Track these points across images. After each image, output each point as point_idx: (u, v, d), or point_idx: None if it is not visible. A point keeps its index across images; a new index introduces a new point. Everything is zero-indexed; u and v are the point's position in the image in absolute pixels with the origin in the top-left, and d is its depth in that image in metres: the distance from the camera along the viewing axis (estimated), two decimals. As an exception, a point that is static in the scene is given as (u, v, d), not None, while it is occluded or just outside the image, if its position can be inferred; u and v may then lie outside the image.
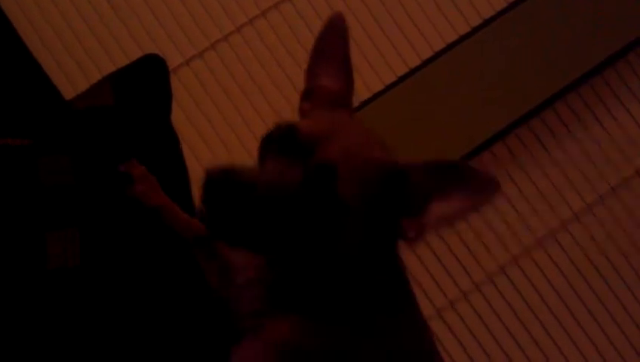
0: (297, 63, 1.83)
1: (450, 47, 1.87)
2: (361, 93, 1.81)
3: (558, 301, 1.86)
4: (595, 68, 1.87)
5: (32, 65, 1.42)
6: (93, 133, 1.24)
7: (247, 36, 1.87)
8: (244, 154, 1.77)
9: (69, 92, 1.51)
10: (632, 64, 1.94)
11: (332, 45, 1.06)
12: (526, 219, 1.88)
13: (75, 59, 1.80)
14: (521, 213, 1.87)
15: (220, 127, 1.81)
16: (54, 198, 1.14)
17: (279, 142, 0.95)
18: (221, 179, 0.89)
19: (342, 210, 0.91)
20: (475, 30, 1.88)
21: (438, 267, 1.84)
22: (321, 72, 1.07)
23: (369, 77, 1.86)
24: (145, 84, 1.35)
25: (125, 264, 1.14)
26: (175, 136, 1.39)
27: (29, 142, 1.17)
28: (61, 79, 1.73)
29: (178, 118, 1.65)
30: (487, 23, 1.88)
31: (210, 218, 0.91)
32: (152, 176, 1.21)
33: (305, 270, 1.00)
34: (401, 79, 1.85)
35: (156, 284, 1.15)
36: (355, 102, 1.17)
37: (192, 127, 1.81)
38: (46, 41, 1.79)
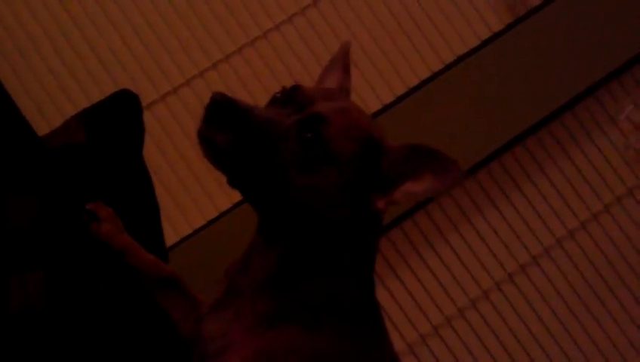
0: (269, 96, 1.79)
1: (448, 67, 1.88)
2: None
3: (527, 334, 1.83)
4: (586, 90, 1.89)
5: (4, 100, 1.38)
6: (64, 172, 1.20)
7: (222, 72, 1.84)
8: (219, 189, 1.74)
9: (41, 127, 1.48)
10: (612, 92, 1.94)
11: (336, 62, 1.18)
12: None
13: (49, 94, 1.76)
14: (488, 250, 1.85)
15: (194, 162, 1.77)
16: (20, 240, 1.10)
17: (283, 97, 1.02)
18: (224, 103, 0.94)
19: (328, 156, 0.96)
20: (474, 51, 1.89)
21: (410, 301, 1.81)
22: (325, 80, 1.17)
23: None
24: (117, 120, 1.32)
25: (90, 306, 1.10)
26: (146, 172, 1.35)
27: (-5, 181, 1.13)
28: (34, 114, 1.68)
29: (152, 153, 1.62)
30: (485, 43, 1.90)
31: (208, 138, 0.95)
32: (117, 217, 1.18)
33: (291, 230, 1.02)
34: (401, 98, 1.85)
35: (120, 326, 1.11)
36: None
37: (165, 162, 1.77)
38: (20, 76, 1.75)
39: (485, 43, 1.89)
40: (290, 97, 1.01)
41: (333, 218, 1.00)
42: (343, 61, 1.17)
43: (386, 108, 1.84)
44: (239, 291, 1.04)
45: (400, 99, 1.85)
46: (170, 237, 1.64)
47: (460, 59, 1.88)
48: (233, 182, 1.01)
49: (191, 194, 1.78)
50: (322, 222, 1.00)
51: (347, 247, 1.04)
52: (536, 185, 1.88)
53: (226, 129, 0.94)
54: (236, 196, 1.19)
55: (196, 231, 1.74)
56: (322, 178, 0.97)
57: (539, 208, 1.87)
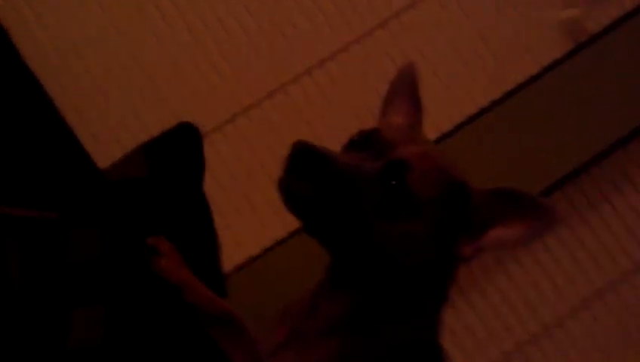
0: (329, 129, 1.77)
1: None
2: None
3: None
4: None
5: (65, 133, 1.39)
6: (126, 206, 1.20)
7: (279, 103, 1.82)
8: (277, 222, 1.72)
9: (102, 160, 1.47)
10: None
11: (404, 88, 1.14)
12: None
13: (109, 126, 1.76)
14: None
15: (252, 193, 1.76)
16: (81, 273, 1.10)
17: (361, 140, 1.00)
18: (307, 151, 0.92)
19: (413, 203, 0.93)
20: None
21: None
22: (394, 110, 1.14)
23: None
24: (178, 152, 1.32)
25: (147, 343, 1.09)
26: (207, 204, 1.35)
27: (55, 216, 1.13)
28: (94, 147, 1.68)
29: (209, 183, 1.61)
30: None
31: (289, 188, 0.94)
32: (177, 252, 1.17)
33: (368, 273, 1.00)
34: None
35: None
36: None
37: (223, 192, 1.75)
38: (80, 109, 1.75)
39: (546, 70, 1.85)
40: (369, 141, 0.99)
41: (416, 264, 0.98)
42: (409, 89, 1.14)
43: (444, 136, 1.80)
44: (304, 334, 1.02)
45: (458, 126, 1.82)
46: (227, 266, 1.62)
47: (521, 86, 1.84)
48: (310, 229, 0.99)
49: (247, 221, 1.76)
50: (405, 268, 0.98)
51: (424, 292, 1.01)
52: (600, 215, 1.82)
53: (307, 179, 0.92)
54: (292, 225, 1.16)
55: (253, 259, 1.72)
56: (408, 225, 0.95)
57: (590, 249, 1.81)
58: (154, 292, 1.15)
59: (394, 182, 0.93)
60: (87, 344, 1.06)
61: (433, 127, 1.80)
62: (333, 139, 1.07)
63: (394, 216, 0.94)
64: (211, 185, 1.71)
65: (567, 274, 1.80)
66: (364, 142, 1.00)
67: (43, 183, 1.21)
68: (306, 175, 0.92)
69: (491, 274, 1.79)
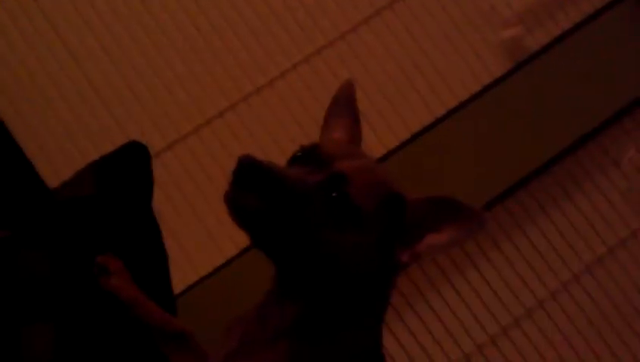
0: (279, 147, 1.80)
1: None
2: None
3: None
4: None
5: (15, 151, 1.39)
6: (74, 224, 1.20)
7: (228, 120, 1.85)
8: (226, 238, 1.74)
9: (52, 178, 1.48)
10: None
11: (343, 104, 1.17)
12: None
13: (59, 145, 1.77)
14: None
15: (202, 210, 1.77)
16: (31, 291, 1.10)
17: (303, 155, 1.03)
18: (252, 166, 0.94)
19: (353, 214, 0.96)
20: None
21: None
22: (334, 125, 1.16)
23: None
24: (127, 171, 1.32)
25: (98, 358, 1.09)
26: (156, 223, 1.35)
27: (7, 234, 1.13)
28: (45, 165, 1.69)
29: (159, 200, 1.62)
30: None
31: (236, 201, 0.95)
32: (126, 270, 1.18)
33: (313, 280, 1.02)
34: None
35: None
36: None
37: (173, 210, 1.77)
38: (30, 128, 1.76)
39: (487, 88, 1.91)
40: (311, 155, 1.02)
41: (360, 273, 1.00)
42: (349, 105, 1.17)
43: (390, 153, 1.85)
44: (254, 343, 1.03)
45: (404, 144, 1.86)
46: (178, 285, 1.63)
47: (462, 105, 1.89)
48: (258, 243, 1.01)
49: (197, 241, 1.77)
50: (348, 276, 1.00)
51: (367, 299, 1.04)
52: (540, 228, 1.88)
53: (254, 191, 0.94)
54: (243, 242, 1.18)
55: (203, 278, 1.74)
56: (350, 235, 0.97)
57: (543, 252, 1.86)
58: (104, 310, 1.15)
59: (334, 194, 0.96)
60: (38, 360, 1.06)
61: (377, 144, 1.86)
62: (281, 156, 1.11)
63: (336, 227, 0.96)
64: (162, 205, 1.73)
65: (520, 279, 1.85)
66: (306, 157, 1.02)
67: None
68: (251, 187, 0.94)
69: (445, 281, 1.83)
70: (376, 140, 1.86)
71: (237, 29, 1.89)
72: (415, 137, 1.87)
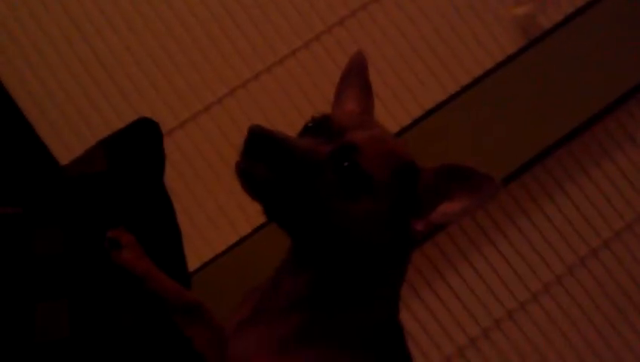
0: (291, 124, 1.78)
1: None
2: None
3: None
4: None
5: (26, 129, 1.38)
6: (86, 201, 1.19)
7: (240, 98, 1.84)
8: (239, 215, 1.73)
9: (63, 155, 1.47)
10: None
11: (354, 76, 1.16)
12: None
13: (70, 123, 1.77)
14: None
15: (214, 188, 1.76)
16: (45, 268, 1.09)
17: (314, 126, 1.03)
18: (262, 135, 0.94)
19: (365, 183, 0.96)
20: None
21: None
22: (346, 98, 1.15)
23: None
24: (138, 148, 1.31)
25: (113, 334, 1.08)
26: (168, 199, 1.34)
27: (19, 211, 1.12)
28: (55, 143, 1.68)
29: (172, 179, 1.61)
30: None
31: (247, 171, 0.95)
32: (138, 244, 1.17)
33: (325, 254, 1.01)
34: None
35: (144, 354, 1.09)
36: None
37: (186, 188, 1.76)
38: (41, 106, 1.75)
39: (500, 65, 1.89)
40: (322, 126, 1.02)
41: (373, 243, 1.00)
42: (360, 77, 1.16)
43: (403, 130, 1.83)
44: (267, 311, 1.03)
45: (416, 121, 1.84)
46: (192, 263, 1.62)
47: (476, 81, 1.87)
48: (270, 213, 1.01)
49: (211, 219, 1.77)
50: (361, 247, 1.00)
51: (381, 271, 1.03)
52: (557, 204, 1.86)
53: (264, 161, 0.94)
54: (256, 220, 1.17)
55: (218, 256, 1.73)
56: (361, 205, 0.96)
57: (559, 227, 1.85)
58: (118, 284, 1.14)
59: (346, 164, 0.95)
60: (54, 336, 1.05)
61: (393, 120, 1.84)
62: (293, 131, 1.10)
63: (348, 196, 0.96)
64: (175, 183, 1.72)
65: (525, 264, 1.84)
66: (317, 128, 1.02)
67: (4, 180, 1.20)
68: (262, 157, 0.94)
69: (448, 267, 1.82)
70: (390, 117, 1.84)
71: (247, 7, 1.88)
72: (428, 114, 1.85)
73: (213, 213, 1.77)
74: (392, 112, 1.85)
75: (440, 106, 1.85)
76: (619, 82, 1.89)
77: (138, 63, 1.83)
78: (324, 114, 1.05)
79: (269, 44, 1.87)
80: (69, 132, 1.76)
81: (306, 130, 1.04)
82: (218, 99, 1.83)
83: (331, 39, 1.88)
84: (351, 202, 0.96)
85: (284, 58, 1.87)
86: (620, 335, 1.82)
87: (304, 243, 1.03)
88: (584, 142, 1.89)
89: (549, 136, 1.85)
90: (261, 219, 1.04)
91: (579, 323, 1.82)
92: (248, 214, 1.69)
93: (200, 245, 1.75)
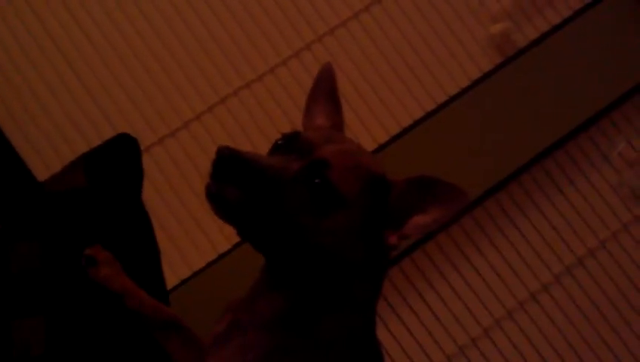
0: (267, 140, 1.79)
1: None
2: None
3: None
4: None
5: (5, 145, 1.37)
6: (64, 217, 1.18)
7: (219, 115, 1.83)
8: (218, 231, 1.72)
9: (41, 171, 1.46)
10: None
11: (323, 90, 1.15)
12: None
13: (48, 139, 1.75)
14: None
15: (193, 205, 1.76)
16: (21, 285, 1.08)
17: (284, 144, 1.01)
18: (231, 156, 0.92)
19: (337, 199, 0.95)
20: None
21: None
22: (316, 112, 1.15)
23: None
24: (117, 164, 1.30)
25: (90, 350, 1.07)
26: (146, 215, 1.33)
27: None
28: (34, 159, 1.67)
29: (150, 196, 1.60)
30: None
31: (217, 193, 0.94)
32: (115, 260, 1.17)
33: (298, 269, 1.01)
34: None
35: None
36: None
37: (164, 205, 1.75)
38: (19, 122, 1.74)
39: (475, 83, 1.90)
40: (292, 143, 1.01)
41: (346, 258, 0.99)
42: (329, 90, 1.15)
43: (381, 147, 1.84)
44: (243, 327, 1.02)
45: (394, 138, 1.85)
46: (170, 280, 1.62)
47: (452, 99, 1.88)
48: (243, 234, 1.00)
49: (190, 236, 1.76)
50: (335, 263, 0.99)
51: (357, 285, 1.02)
52: (531, 221, 1.87)
53: (234, 183, 0.93)
54: (235, 237, 1.16)
55: (196, 273, 1.72)
56: (333, 221, 0.96)
57: (534, 245, 1.86)
58: (96, 301, 1.13)
59: (317, 181, 0.95)
60: (29, 354, 1.04)
61: (368, 138, 1.85)
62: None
63: (320, 213, 0.95)
64: (154, 200, 1.71)
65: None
66: (287, 145, 1.01)
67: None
68: (231, 179, 0.92)
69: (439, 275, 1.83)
70: (367, 135, 1.85)
71: (226, 24, 1.88)
72: (406, 131, 1.86)
73: (192, 230, 1.76)
74: (370, 130, 1.86)
75: (417, 123, 1.86)
76: (595, 99, 1.91)
77: (117, 79, 1.82)
78: (294, 130, 1.04)
79: (247, 61, 1.87)
80: (48, 148, 1.74)
81: (276, 148, 1.03)
82: (197, 116, 1.83)
83: (309, 55, 1.89)
84: (323, 218, 0.95)
85: (264, 75, 1.87)
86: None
87: (278, 261, 1.03)
88: (557, 161, 1.91)
89: (523, 154, 1.86)
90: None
91: (562, 332, 1.84)
92: (227, 231, 1.67)
93: (179, 262, 1.74)
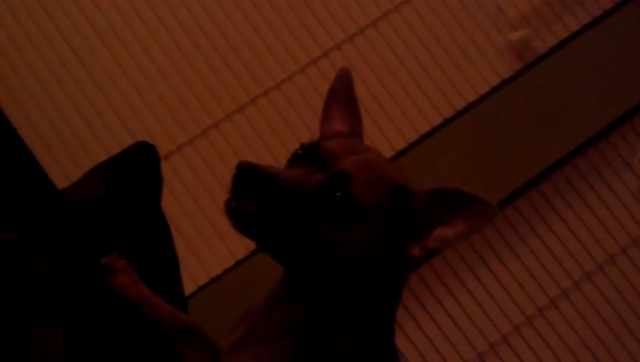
0: (285, 148, 1.78)
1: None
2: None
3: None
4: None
5: (24, 154, 1.37)
6: (83, 226, 1.18)
7: (237, 122, 1.83)
8: (236, 238, 1.72)
9: (61, 180, 1.47)
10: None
11: (341, 94, 1.13)
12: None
13: (68, 147, 1.76)
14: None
15: (212, 212, 1.76)
16: (39, 293, 1.08)
17: (304, 155, 0.99)
18: (250, 171, 0.91)
19: (359, 212, 0.93)
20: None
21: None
22: (334, 117, 1.13)
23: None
24: (136, 171, 1.30)
25: (107, 358, 1.07)
26: (165, 222, 1.33)
27: (16, 236, 1.11)
28: (53, 167, 1.68)
29: (169, 203, 1.60)
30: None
31: (237, 209, 0.92)
32: (132, 269, 1.17)
33: (320, 282, 0.99)
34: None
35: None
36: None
37: (182, 212, 1.75)
38: (39, 130, 1.75)
39: (495, 89, 1.89)
40: (311, 154, 0.99)
41: (368, 270, 0.98)
42: (347, 95, 1.13)
43: (398, 154, 1.83)
44: (260, 335, 1.01)
45: (411, 145, 1.85)
46: (188, 287, 1.62)
47: (471, 105, 1.87)
48: (263, 248, 0.98)
49: (207, 243, 1.76)
50: (357, 275, 0.98)
51: (377, 296, 1.01)
52: (551, 228, 1.86)
53: (254, 198, 0.91)
54: (252, 245, 1.16)
55: (213, 280, 1.73)
56: (355, 234, 0.94)
57: (554, 251, 1.84)
58: (115, 310, 1.13)
59: (339, 194, 0.93)
60: (47, 362, 1.04)
61: (388, 144, 1.84)
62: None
63: (342, 226, 0.93)
64: (172, 207, 1.72)
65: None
66: (307, 155, 0.99)
67: (2, 204, 1.19)
68: (251, 195, 0.91)
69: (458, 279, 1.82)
70: (385, 142, 1.84)
71: (246, 33, 1.88)
72: (423, 138, 1.85)
73: (210, 237, 1.76)
74: (388, 137, 1.85)
75: (436, 130, 1.86)
76: (613, 106, 1.90)
77: (135, 88, 1.83)
78: (313, 141, 1.02)
79: (265, 69, 1.87)
80: (67, 156, 1.75)
81: (296, 158, 1.01)
82: (215, 123, 1.83)
83: (327, 63, 1.88)
84: (344, 232, 0.94)
85: (282, 82, 1.87)
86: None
87: (298, 272, 1.02)
88: (578, 167, 1.89)
89: (543, 160, 1.85)
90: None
91: (582, 338, 1.82)
92: (244, 239, 1.67)
93: (197, 269, 1.74)
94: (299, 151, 1.01)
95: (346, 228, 0.94)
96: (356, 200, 0.93)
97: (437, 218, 0.96)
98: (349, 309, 1.00)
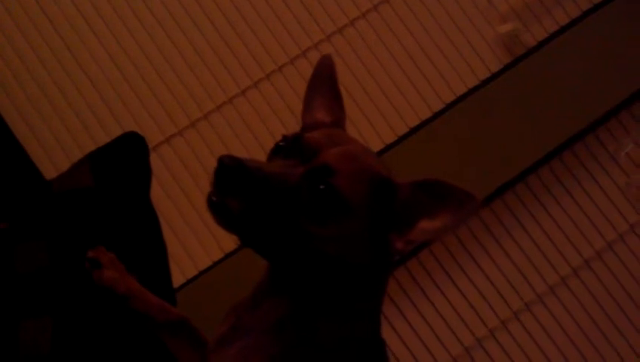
0: (275, 139, 1.77)
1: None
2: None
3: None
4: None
5: (12, 144, 1.36)
6: (72, 216, 1.17)
7: (226, 114, 1.83)
8: (224, 231, 1.72)
9: (49, 170, 1.46)
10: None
11: (323, 82, 1.10)
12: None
13: (56, 137, 1.75)
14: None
15: (199, 203, 1.75)
16: (28, 285, 1.08)
17: (285, 147, 0.98)
18: (233, 166, 0.89)
19: (342, 205, 0.92)
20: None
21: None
22: (316, 106, 1.10)
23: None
24: (124, 162, 1.30)
25: (96, 351, 1.07)
26: (154, 213, 1.33)
27: (5, 226, 1.11)
28: (42, 158, 1.67)
29: (158, 195, 1.60)
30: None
31: (219, 203, 0.91)
32: (119, 262, 1.16)
33: (304, 274, 0.99)
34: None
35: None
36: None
37: (171, 203, 1.75)
38: (27, 120, 1.74)
39: (485, 82, 1.90)
40: (294, 146, 0.97)
41: (352, 264, 0.97)
42: (329, 82, 1.11)
43: (388, 147, 1.83)
44: (246, 329, 1.01)
45: (401, 138, 1.85)
46: (177, 279, 1.61)
47: (460, 98, 1.88)
48: (247, 242, 0.97)
49: (197, 235, 1.75)
50: (341, 268, 0.97)
51: (361, 289, 1.01)
52: (537, 222, 1.86)
53: (236, 192, 0.90)
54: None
55: (202, 272, 1.72)
56: (339, 228, 0.93)
57: (541, 246, 1.85)
58: (102, 302, 1.13)
59: (322, 187, 0.92)
60: (36, 354, 1.04)
61: (378, 138, 1.84)
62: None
63: (325, 220, 0.92)
64: (161, 200, 1.71)
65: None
66: (290, 147, 0.97)
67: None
68: (233, 189, 0.90)
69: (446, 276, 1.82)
70: (374, 135, 1.84)
71: (235, 25, 1.87)
72: (413, 131, 1.85)
73: (199, 229, 1.75)
74: (378, 130, 1.85)
75: (425, 123, 1.86)
76: (602, 99, 1.90)
77: (125, 78, 1.82)
78: (296, 133, 1.01)
79: (255, 61, 1.87)
80: (56, 146, 1.74)
81: (278, 150, 1.00)
82: (204, 115, 1.83)
83: (317, 55, 1.87)
84: (327, 225, 0.93)
85: (271, 74, 1.86)
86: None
87: (282, 266, 1.01)
88: (565, 162, 1.90)
89: (530, 154, 1.86)
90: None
91: (567, 333, 1.83)
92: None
93: (185, 261, 1.73)
94: (281, 143, 1.00)
95: (328, 221, 0.92)
96: (339, 194, 0.92)
97: (421, 210, 0.94)
98: (334, 303, 0.99)
